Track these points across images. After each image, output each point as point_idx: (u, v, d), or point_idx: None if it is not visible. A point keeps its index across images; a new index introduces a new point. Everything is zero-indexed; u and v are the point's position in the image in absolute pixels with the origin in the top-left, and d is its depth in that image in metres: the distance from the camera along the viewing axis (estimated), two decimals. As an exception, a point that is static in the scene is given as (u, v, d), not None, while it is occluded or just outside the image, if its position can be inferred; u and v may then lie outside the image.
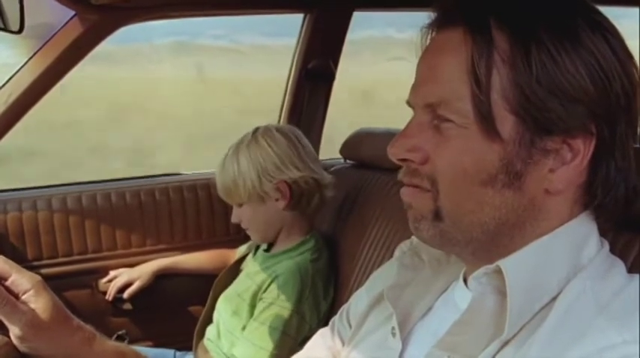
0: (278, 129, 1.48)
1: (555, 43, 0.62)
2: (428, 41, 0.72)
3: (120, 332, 0.96)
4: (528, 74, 0.62)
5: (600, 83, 0.62)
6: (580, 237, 0.68)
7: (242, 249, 1.75)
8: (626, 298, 0.63)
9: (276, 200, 1.44)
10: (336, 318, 0.98)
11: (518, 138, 0.64)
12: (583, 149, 0.64)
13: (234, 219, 1.52)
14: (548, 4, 0.65)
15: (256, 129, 1.48)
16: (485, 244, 0.68)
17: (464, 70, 0.64)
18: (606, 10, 0.67)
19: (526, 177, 0.65)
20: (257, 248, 1.61)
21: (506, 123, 0.64)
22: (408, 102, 0.72)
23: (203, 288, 1.65)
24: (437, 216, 0.68)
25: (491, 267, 0.67)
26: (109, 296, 1.81)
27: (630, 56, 0.66)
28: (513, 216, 0.66)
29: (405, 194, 0.71)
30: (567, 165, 0.64)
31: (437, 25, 0.70)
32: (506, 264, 0.66)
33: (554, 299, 0.64)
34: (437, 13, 0.70)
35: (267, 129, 1.47)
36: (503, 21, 0.63)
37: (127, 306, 1.82)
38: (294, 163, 1.43)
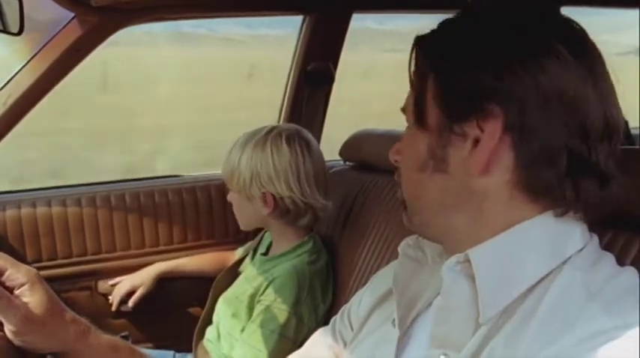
0: (288, 139, 1.44)
1: (458, 52, 0.72)
2: None
3: (123, 334, 0.96)
4: (448, 74, 0.72)
5: (500, 75, 0.68)
6: (557, 228, 0.70)
7: (240, 251, 1.75)
8: (616, 285, 0.65)
9: (262, 205, 1.45)
10: (337, 318, 0.99)
11: (439, 127, 0.72)
12: (493, 130, 0.68)
13: (228, 198, 1.54)
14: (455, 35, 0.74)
15: (271, 130, 1.46)
16: (447, 230, 0.75)
17: (416, 77, 0.76)
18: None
19: (449, 160, 0.72)
20: (255, 250, 1.62)
21: (433, 115, 0.73)
22: None
23: (202, 290, 1.65)
24: (404, 205, 0.80)
25: (462, 255, 0.70)
26: (113, 308, 1.81)
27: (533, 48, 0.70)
28: (450, 198, 0.73)
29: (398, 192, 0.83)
30: (481, 145, 0.69)
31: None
32: (474, 252, 0.70)
33: (536, 286, 0.67)
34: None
35: (277, 136, 1.44)
36: (427, 43, 0.76)
37: (126, 308, 1.82)
38: (287, 181, 1.42)
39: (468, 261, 0.70)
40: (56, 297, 0.83)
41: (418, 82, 0.75)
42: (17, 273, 0.80)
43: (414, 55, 0.77)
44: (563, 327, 0.61)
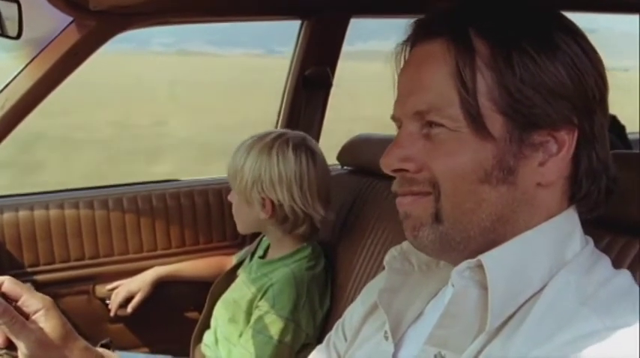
0: (295, 148, 1.43)
1: (533, 45, 0.66)
2: (404, 56, 0.76)
3: (103, 341, 0.96)
4: (512, 75, 0.66)
5: (576, 79, 0.66)
6: (564, 232, 0.70)
7: (239, 256, 1.75)
8: (610, 288, 0.65)
9: (260, 210, 1.45)
10: (332, 333, 0.98)
11: (509, 136, 0.67)
12: (568, 140, 0.67)
13: (229, 197, 1.53)
14: (521, 13, 0.69)
15: (278, 136, 1.45)
16: (482, 245, 0.70)
17: (450, 77, 0.68)
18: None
19: (518, 171, 0.68)
20: (253, 254, 1.62)
21: (496, 122, 0.67)
22: (393, 117, 0.75)
23: (200, 294, 1.65)
24: (437, 218, 0.70)
25: (473, 261, 0.69)
26: (111, 314, 1.81)
27: (598, 56, 0.70)
28: (508, 210, 0.69)
29: (403, 203, 0.73)
30: (555, 156, 0.68)
31: (415, 39, 0.73)
32: (487, 258, 0.68)
33: (537, 293, 0.67)
34: (414, 28, 0.74)
35: (284, 143, 1.43)
36: (482, 30, 0.68)
37: (124, 312, 1.82)
38: (290, 190, 1.41)
39: (478, 266, 0.68)
40: (69, 325, 0.84)
41: (461, 80, 0.67)
42: (32, 299, 0.81)
43: (443, 44, 0.69)
44: (554, 328, 0.62)
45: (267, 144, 1.43)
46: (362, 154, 1.71)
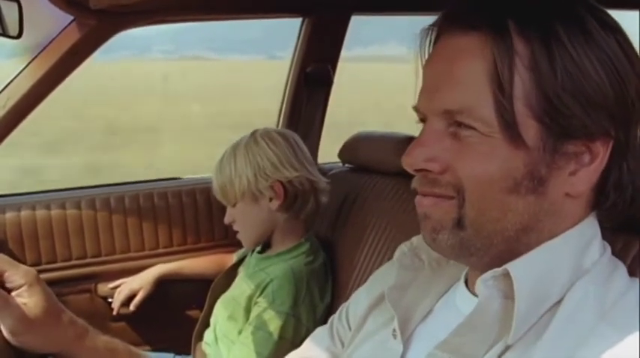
0: (277, 132, 1.50)
1: (575, 46, 0.62)
2: (430, 41, 0.71)
3: None
4: (553, 80, 0.62)
5: (618, 87, 0.63)
6: (585, 240, 0.68)
7: (239, 254, 1.75)
8: (627, 302, 0.63)
9: (270, 199, 1.45)
10: (335, 317, 0.97)
11: (542, 144, 0.63)
12: (602, 151, 0.64)
13: (227, 218, 1.53)
14: (560, 6, 0.64)
15: (255, 131, 1.49)
16: (503, 252, 0.67)
17: (485, 75, 0.63)
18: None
19: (549, 182, 0.64)
20: (253, 251, 1.61)
21: (530, 129, 0.63)
22: (417, 109, 0.71)
23: (202, 292, 1.65)
24: (459, 224, 0.67)
25: (499, 270, 0.67)
26: (114, 312, 1.82)
27: (638, 57, 0.66)
28: (533, 220, 0.66)
29: (424, 204, 0.70)
30: (587, 167, 0.65)
31: (445, 29, 0.68)
32: (514, 268, 0.65)
33: (557, 303, 0.65)
34: (446, 16, 0.69)
35: (266, 131, 1.48)
36: (523, 25, 0.63)
37: (126, 311, 1.82)
38: (291, 163, 1.44)
39: (503, 275, 0.66)
40: (55, 298, 0.83)
41: (497, 81, 0.62)
42: (16, 275, 0.80)
43: (480, 37, 0.64)
44: (574, 345, 0.60)
45: (250, 139, 1.47)
46: (363, 152, 1.71)
